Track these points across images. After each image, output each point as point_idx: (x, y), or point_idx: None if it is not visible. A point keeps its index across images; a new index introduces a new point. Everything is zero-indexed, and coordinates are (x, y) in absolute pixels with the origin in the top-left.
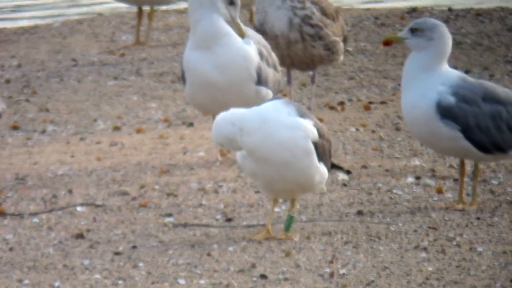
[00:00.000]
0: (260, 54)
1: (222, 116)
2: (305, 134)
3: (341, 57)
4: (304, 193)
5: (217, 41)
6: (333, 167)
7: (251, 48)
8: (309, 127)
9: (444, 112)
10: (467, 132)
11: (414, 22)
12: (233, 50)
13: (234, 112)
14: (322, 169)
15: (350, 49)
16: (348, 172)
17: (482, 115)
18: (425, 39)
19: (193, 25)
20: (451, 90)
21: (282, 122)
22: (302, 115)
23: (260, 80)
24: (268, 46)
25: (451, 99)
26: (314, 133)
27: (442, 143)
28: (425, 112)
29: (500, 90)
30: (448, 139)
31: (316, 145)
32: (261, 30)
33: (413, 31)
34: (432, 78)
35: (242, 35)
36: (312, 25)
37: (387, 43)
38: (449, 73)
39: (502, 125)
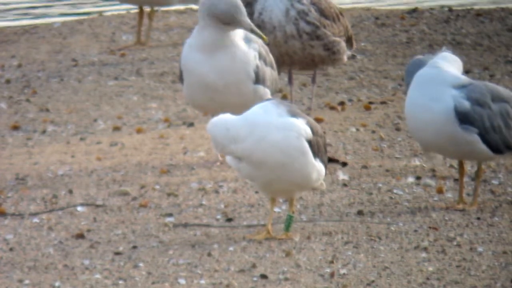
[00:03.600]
0: (259, 54)
1: (216, 120)
2: (297, 134)
3: (345, 58)
4: (302, 191)
5: (220, 48)
6: (328, 161)
7: (250, 50)
8: (301, 126)
9: (462, 117)
10: (483, 135)
11: None
12: (233, 55)
13: (228, 119)
14: (319, 165)
15: (356, 54)
16: (344, 164)
17: (493, 116)
18: None
19: (199, 29)
20: (464, 94)
21: (273, 124)
22: (293, 114)
23: (258, 79)
24: (266, 46)
25: (466, 104)
26: (307, 131)
27: (456, 148)
28: (441, 117)
29: (501, 89)
30: (464, 144)
31: (310, 142)
32: (259, 21)
33: None
34: (442, 79)
35: (264, 39)
36: (308, 22)
37: None
38: (456, 74)
39: (510, 123)
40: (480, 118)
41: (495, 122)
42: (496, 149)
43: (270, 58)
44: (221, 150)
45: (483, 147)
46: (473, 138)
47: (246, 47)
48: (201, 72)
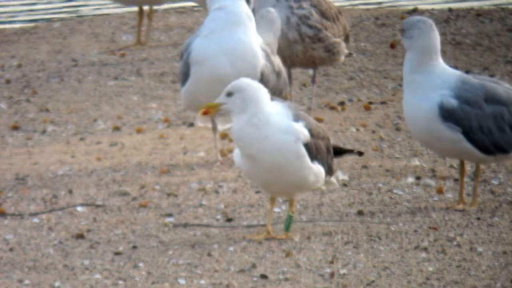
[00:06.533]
0: (266, 54)
1: (258, 84)
2: (295, 138)
3: (342, 58)
4: (302, 192)
5: (242, 21)
6: (345, 152)
7: (259, 49)
8: (300, 129)
9: (446, 114)
10: (469, 134)
11: (403, 22)
12: (246, 42)
13: (261, 87)
14: (317, 168)
15: (352, 53)
16: (360, 153)
17: (484, 117)
18: (407, 39)
19: (219, 9)
20: (454, 93)
21: (276, 126)
22: (295, 117)
23: (262, 81)
24: (272, 48)
25: (453, 102)
26: (306, 134)
27: (443, 145)
28: (426, 114)
29: (501, 89)
30: (449, 142)
31: (307, 146)
32: None
33: (402, 32)
34: (432, 79)
35: None
36: (310, 26)
37: (392, 45)
38: (449, 74)
39: (504, 126)
40: (467, 117)
41: (484, 123)
42: (484, 150)
43: (277, 62)
44: (232, 99)
45: (468, 146)
46: (457, 136)
47: (258, 46)
48: (213, 58)
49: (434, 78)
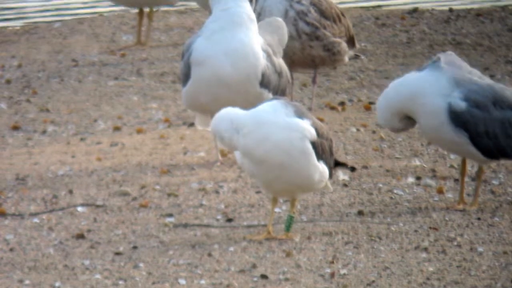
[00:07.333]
0: (267, 54)
1: (221, 113)
2: (301, 135)
3: (346, 58)
4: (304, 192)
5: (243, 22)
6: (337, 165)
7: (260, 50)
8: (306, 127)
9: (455, 117)
10: (474, 138)
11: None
12: (247, 43)
13: (233, 111)
14: (322, 168)
15: (360, 55)
16: (352, 169)
17: (491, 121)
18: None
19: (221, 10)
20: (463, 95)
21: (278, 124)
22: (299, 115)
23: (263, 81)
24: (274, 49)
25: (462, 105)
26: (312, 132)
27: (449, 145)
28: (435, 114)
29: (509, 93)
30: (454, 143)
31: (314, 144)
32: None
33: None
34: (441, 78)
35: None
36: (307, 23)
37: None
38: (457, 74)
39: (511, 132)
40: (474, 121)
41: (490, 127)
42: (488, 154)
43: (278, 62)
44: (223, 140)
45: (472, 149)
46: (462, 139)
47: (259, 47)
48: (216, 64)
49: (446, 78)
